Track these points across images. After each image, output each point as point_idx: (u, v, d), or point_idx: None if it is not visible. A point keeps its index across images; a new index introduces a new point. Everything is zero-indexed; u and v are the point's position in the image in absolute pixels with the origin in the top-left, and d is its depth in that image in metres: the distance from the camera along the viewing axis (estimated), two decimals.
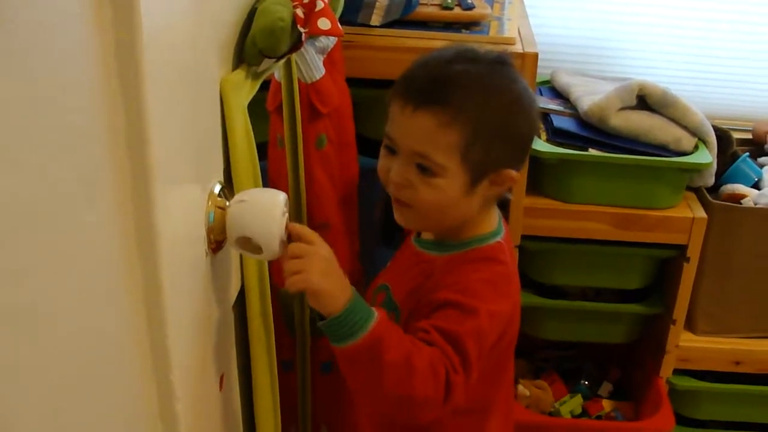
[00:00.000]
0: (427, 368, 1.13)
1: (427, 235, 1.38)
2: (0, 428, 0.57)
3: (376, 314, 1.13)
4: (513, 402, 1.49)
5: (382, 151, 1.30)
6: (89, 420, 0.73)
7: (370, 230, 1.76)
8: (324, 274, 1.10)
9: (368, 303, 1.17)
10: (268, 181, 1.52)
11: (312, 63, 1.46)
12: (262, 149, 1.37)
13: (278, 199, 1.05)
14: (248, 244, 1.03)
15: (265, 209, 1.04)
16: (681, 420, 2.20)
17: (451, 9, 1.80)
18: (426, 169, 1.22)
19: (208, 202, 1.01)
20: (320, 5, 1.18)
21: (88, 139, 0.68)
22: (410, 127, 1.23)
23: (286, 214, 1.06)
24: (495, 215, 1.36)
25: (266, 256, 1.05)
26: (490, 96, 1.24)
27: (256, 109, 1.20)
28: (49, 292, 0.63)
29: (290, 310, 1.55)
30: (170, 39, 0.82)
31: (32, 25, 0.57)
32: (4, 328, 0.56)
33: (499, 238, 1.33)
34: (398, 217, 1.32)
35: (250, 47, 1.12)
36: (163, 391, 0.88)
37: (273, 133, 1.51)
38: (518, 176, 1.28)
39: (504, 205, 1.74)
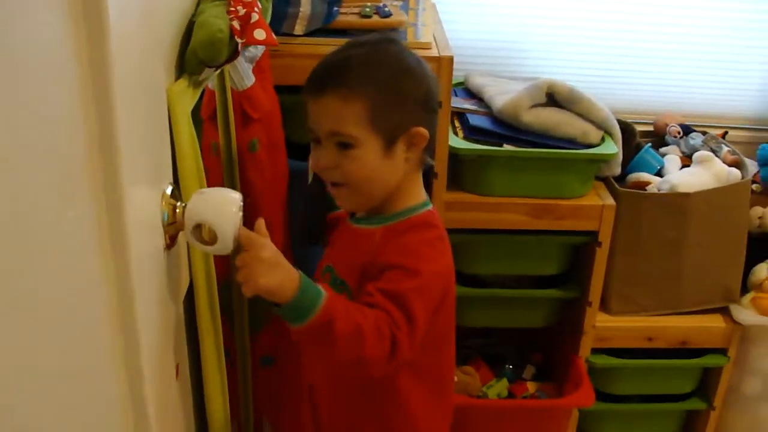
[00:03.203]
0: (374, 330, 1.24)
1: (362, 214, 1.48)
2: None
3: (324, 293, 1.24)
4: (453, 370, 1.59)
5: (312, 147, 1.42)
6: (68, 400, 0.79)
7: (298, 227, 1.85)
8: (268, 273, 1.20)
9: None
10: (207, 185, 1.59)
11: (243, 71, 1.53)
12: None
13: (235, 196, 1.16)
14: (202, 234, 1.12)
15: (224, 200, 1.14)
16: (601, 396, 2.31)
17: (369, 17, 1.89)
18: (344, 145, 1.35)
19: (162, 202, 1.09)
20: (255, 17, 1.26)
21: (66, 144, 0.76)
22: (320, 112, 1.36)
23: (241, 214, 1.15)
24: (422, 189, 1.47)
25: (219, 248, 1.13)
26: (378, 67, 1.38)
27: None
28: (33, 283, 0.69)
29: (230, 305, 1.62)
30: (131, 52, 0.90)
31: (19, 41, 0.64)
32: None
33: (429, 207, 1.45)
34: (339, 201, 1.44)
35: (191, 58, 1.20)
36: (133, 374, 0.95)
37: (207, 140, 1.58)
38: (426, 132, 1.38)
39: (428, 175, 1.86)
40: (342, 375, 1.48)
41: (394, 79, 1.37)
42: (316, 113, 1.37)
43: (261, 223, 1.25)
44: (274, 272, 1.21)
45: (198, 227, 1.12)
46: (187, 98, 1.19)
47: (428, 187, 1.95)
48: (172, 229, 1.11)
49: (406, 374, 1.41)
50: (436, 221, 1.44)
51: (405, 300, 1.28)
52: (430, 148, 1.44)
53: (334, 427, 1.56)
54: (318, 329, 1.22)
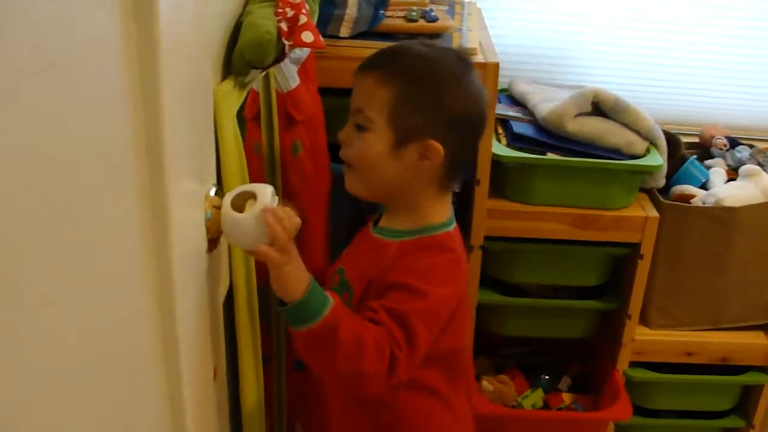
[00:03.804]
0: (374, 348, 1.23)
1: (383, 223, 1.46)
2: (28, 407, 0.62)
3: (332, 301, 1.23)
4: (468, 391, 1.57)
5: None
6: (107, 401, 0.78)
7: (341, 233, 1.84)
8: (291, 260, 1.20)
9: (326, 283, 1.29)
10: None
11: (288, 73, 1.52)
12: None
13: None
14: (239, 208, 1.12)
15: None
16: (637, 410, 2.28)
17: (415, 21, 1.88)
18: (361, 127, 1.36)
19: (205, 203, 1.08)
20: (303, 19, 1.25)
21: (115, 144, 0.75)
22: (356, 88, 1.39)
23: (276, 200, 1.15)
24: (448, 209, 1.45)
25: (249, 216, 1.12)
26: (425, 67, 1.36)
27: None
28: (77, 283, 0.69)
29: (267, 308, 1.61)
30: (180, 53, 0.89)
31: (73, 43, 0.64)
32: (42, 314, 0.62)
33: (449, 229, 1.43)
34: (346, 181, 1.44)
35: (238, 59, 1.20)
36: (172, 377, 0.94)
37: (250, 140, 1.58)
38: (442, 151, 1.34)
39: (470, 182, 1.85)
40: (355, 413, 1.48)
41: (432, 85, 1.35)
42: (354, 89, 1.39)
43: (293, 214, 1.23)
44: (292, 263, 1.20)
45: (235, 202, 1.12)
46: (232, 99, 1.19)
47: (470, 194, 1.94)
48: (214, 230, 1.10)
49: (410, 389, 1.40)
50: (454, 244, 1.41)
51: (408, 321, 1.27)
52: (455, 171, 1.41)
53: None
54: (321, 335, 1.22)
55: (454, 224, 1.45)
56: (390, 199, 1.43)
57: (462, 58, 1.41)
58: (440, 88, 1.35)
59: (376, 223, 1.49)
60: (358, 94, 1.38)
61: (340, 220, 1.78)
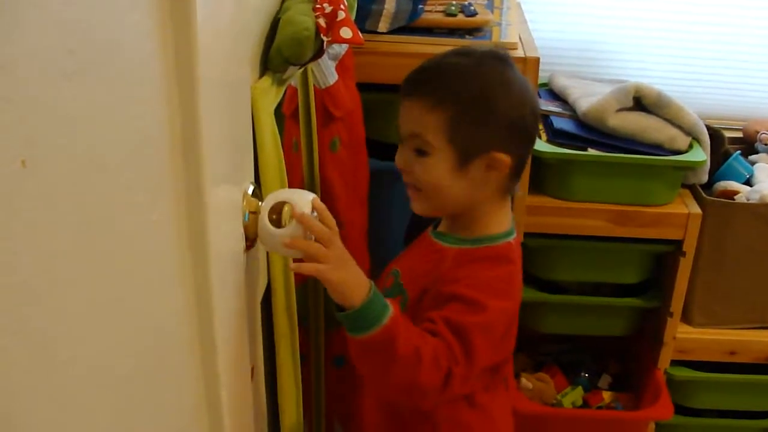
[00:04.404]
0: (431, 360, 1.20)
1: (443, 228, 1.43)
2: (66, 409, 0.62)
3: (391, 309, 1.20)
4: (509, 395, 1.55)
5: (399, 145, 1.38)
6: (143, 404, 0.78)
7: (381, 229, 1.83)
8: (344, 266, 1.17)
9: (379, 284, 1.25)
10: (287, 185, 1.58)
11: (326, 69, 1.51)
12: None
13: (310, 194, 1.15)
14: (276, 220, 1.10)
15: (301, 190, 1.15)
16: (679, 409, 2.24)
17: (454, 16, 1.86)
18: (420, 151, 1.32)
19: (243, 202, 1.07)
20: (342, 15, 1.24)
21: (152, 144, 0.74)
22: (405, 114, 1.34)
23: (315, 214, 1.13)
24: (508, 217, 1.41)
25: (289, 231, 1.10)
26: (472, 80, 1.32)
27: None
28: (115, 283, 0.69)
29: (305, 304, 1.61)
30: (217, 51, 0.88)
31: (110, 43, 0.63)
32: (80, 316, 0.62)
33: (510, 239, 1.39)
34: (412, 204, 1.40)
35: (276, 55, 1.19)
36: (209, 379, 0.94)
37: (288, 137, 1.57)
38: (509, 160, 1.32)
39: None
40: (393, 412, 1.45)
41: (483, 96, 1.31)
42: (402, 114, 1.34)
43: (332, 221, 1.20)
44: (344, 269, 1.18)
45: (273, 211, 1.10)
46: (270, 96, 1.18)
47: None
48: (252, 229, 1.09)
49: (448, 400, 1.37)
50: (514, 255, 1.39)
51: (468, 335, 1.24)
52: (518, 174, 1.39)
53: None
54: (378, 344, 1.19)
55: (515, 234, 1.42)
56: (459, 213, 1.39)
57: (500, 57, 1.37)
58: (491, 99, 1.32)
59: (435, 226, 1.46)
60: (409, 119, 1.33)
61: (399, 220, 1.77)
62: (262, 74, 1.20)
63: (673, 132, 2.05)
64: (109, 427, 0.69)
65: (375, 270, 1.75)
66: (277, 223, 1.09)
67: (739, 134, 2.43)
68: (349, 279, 1.18)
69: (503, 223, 1.39)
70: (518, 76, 1.36)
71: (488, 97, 1.31)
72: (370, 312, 1.18)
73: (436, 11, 1.88)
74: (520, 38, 1.89)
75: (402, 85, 1.35)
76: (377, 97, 1.72)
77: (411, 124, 1.32)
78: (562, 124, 2.07)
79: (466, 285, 1.29)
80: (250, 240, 1.10)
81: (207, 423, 0.96)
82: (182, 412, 0.90)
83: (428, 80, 1.33)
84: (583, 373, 2.38)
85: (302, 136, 1.48)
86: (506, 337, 1.38)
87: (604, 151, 2.02)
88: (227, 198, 0.99)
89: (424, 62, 1.37)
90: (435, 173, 1.31)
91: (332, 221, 1.18)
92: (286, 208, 1.09)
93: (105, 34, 0.62)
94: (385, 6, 1.77)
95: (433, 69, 1.35)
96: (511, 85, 1.34)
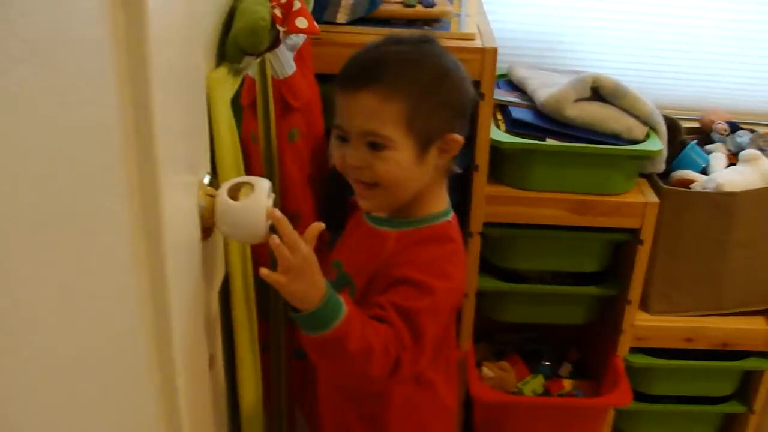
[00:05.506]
0: (382, 350, 1.23)
1: (380, 213, 1.44)
2: (19, 396, 0.61)
3: (345, 309, 1.21)
4: (452, 368, 1.56)
5: (335, 143, 1.38)
6: (98, 392, 0.78)
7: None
8: (303, 275, 1.17)
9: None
10: (245, 174, 1.58)
11: (284, 59, 1.51)
12: None
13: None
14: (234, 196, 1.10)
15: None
16: (638, 396, 2.27)
17: (413, 6, 1.87)
18: (377, 145, 1.31)
19: (199, 192, 1.07)
20: (297, 5, 1.25)
21: (104, 131, 0.74)
22: (355, 110, 1.31)
23: (273, 198, 1.13)
24: (445, 195, 1.44)
25: (250, 202, 1.10)
26: (419, 69, 1.33)
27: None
28: (68, 273, 0.68)
29: (266, 296, 1.61)
30: (170, 39, 0.88)
31: (59, 28, 0.63)
32: (32, 304, 0.62)
33: (449, 217, 1.42)
34: (363, 201, 1.39)
35: (232, 46, 1.19)
36: (165, 367, 0.94)
37: (246, 128, 1.57)
38: (462, 139, 1.35)
39: (468, 168, 1.84)
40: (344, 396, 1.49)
41: (434, 82, 1.34)
42: (349, 110, 1.32)
43: (313, 227, 1.20)
44: (303, 278, 1.17)
45: (232, 190, 1.10)
46: (227, 86, 1.18)
47: (469, 180, 1.94)
48: (208, 218, 1.09)
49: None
50: (455, 233, 1.41)
51: (417, 319, 1.27)
52: (458, 156, 1.41)
53: (326, 425, 1.57)
54: (330, 343, 1.21)
55: (452, 212, 1.44)
56: (407, 203, 1.40)
57: (431, 41, 1.39)
58: (441, 84, 1.34)
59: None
60: (360, 114, 1.30)
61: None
62: (218, 64, 1.20)
63: (631, 122, 2.07)
64: (61, 415, 0.69)
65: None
66: (235, 200, 1.10)
67: (696, 124, 2.45)
68: (306, 289, 1.18)
69: (441, 202, 1.42)
70: (452, 57, 1.39)
71: (438, 82, 1.33)
72: (324, 314, 1.20)
73: (394, 2, 1.88)
74: (478, 29, 1.90)
75: (342, 81, 1.34)
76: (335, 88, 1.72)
77: (363, 120, 1.31)
78: (520, 114, 2.08)
79: (412, 267, 1.31)
80: (207, 229, 1.10)
81: (164, 410, 0.96)
82: (138, 400, 0.90)
83: (374, 72, 1.31)
84: (543, 362, 2.40)
85: (260, 127, 1.48)
86: (451, 314, 1.40)
87: (562, 141, 2.03)
88: (183, 186, 0.99)
89: (356, 55, 1.36)
90: (397, 166, 1.31)
91: (312, 230, 1.19)
92: (244, 189, 1.10)
93: (54, 18, 0.62)
94: None
95: (375, 61, 1.33)
96: (452, 68, 1.36)
